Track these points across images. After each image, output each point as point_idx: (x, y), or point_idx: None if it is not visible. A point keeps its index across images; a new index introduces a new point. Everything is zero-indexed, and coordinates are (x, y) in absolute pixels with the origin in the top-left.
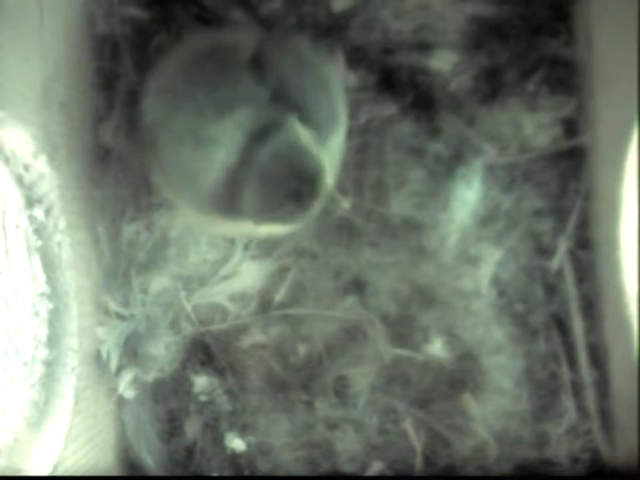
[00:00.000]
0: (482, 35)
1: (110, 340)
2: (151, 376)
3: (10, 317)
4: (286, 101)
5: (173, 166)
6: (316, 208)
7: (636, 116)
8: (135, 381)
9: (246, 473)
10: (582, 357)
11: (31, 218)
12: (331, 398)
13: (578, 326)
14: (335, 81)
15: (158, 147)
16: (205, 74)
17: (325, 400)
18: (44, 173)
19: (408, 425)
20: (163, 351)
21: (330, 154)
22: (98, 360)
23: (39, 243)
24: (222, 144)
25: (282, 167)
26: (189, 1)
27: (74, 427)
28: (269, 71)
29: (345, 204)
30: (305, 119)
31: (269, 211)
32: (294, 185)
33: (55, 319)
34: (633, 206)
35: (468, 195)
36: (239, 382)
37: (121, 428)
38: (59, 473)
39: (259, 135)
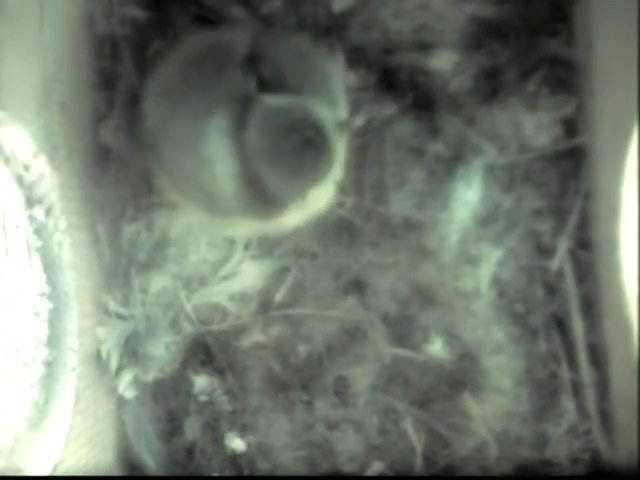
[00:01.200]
0: (482, 35)
1: (110, 340)
2: (151, 376)
3: (10, 317)
4: (285, 92)
5: (176, 169)
6: (337, 148)
7: (636, 116)
8: (135, 381)
9: (246, 473)
10: (582, 357)
11: (31, 218)
12: (331, 398)
13: (578, 326)
14: (335, 73)
15: (160, 150)
16: (201, 75)
17: (325, 400)
18: (44, 173)
19: (408, 425)
20: (163, 351)
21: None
22: (98, 360)
23: (39, 243)
24: (218, 143)
25: (278, 128)
26: (190, 1)
27: (74, 427)
28: (266, 63)
29: (360, 120)
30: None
31: (294, 173)
32: (298, 133)
33: (55, 319)
34: (633, 206)
35: (468, 195)
36: (239, 382)
37: (121, 428)
38: (59, 473)
39: (240, 118)
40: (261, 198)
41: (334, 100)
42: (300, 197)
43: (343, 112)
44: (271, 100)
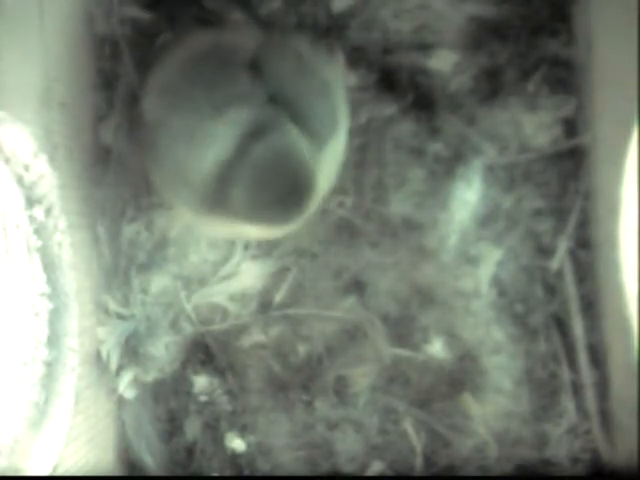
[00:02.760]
0: (482, 35)
1: (110, 340)
2: (151, 376)
3: (10, 317)
4: (284, 105)
5: (168, 163)
6: (305, 214)
7: (636, 116)
8: (135, 381)
9: (246, 473)
10: (582, 357)
11: (31, 218)
12: (331, 398)
13: (578, 326)
14: (336, 85)
15: (156, 145)
16: (205, 73)
17: (325, 400)
18: (44, 173)
19: (408, 425)
20: (163, 351)
21: (328, 160)
22: (98, 360)
23: (39, 243)
24: (216, 140)
25: (273, 166)
26: (190, 2)
27: (74, 427)
28: (268, 75)
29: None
30: (303, 124)
31: (257, 210)
32: (283, 185)
33: (55, 319)
34: (633, 206)
35: (468, 195)
36: (239, 382)
37: (121, 428)
38: (59, 473)
39: (254, 133)
40: (222, 208)
41: (333, 108)
42: (259, 232)
43: (343, 123)
44: (291, 133)
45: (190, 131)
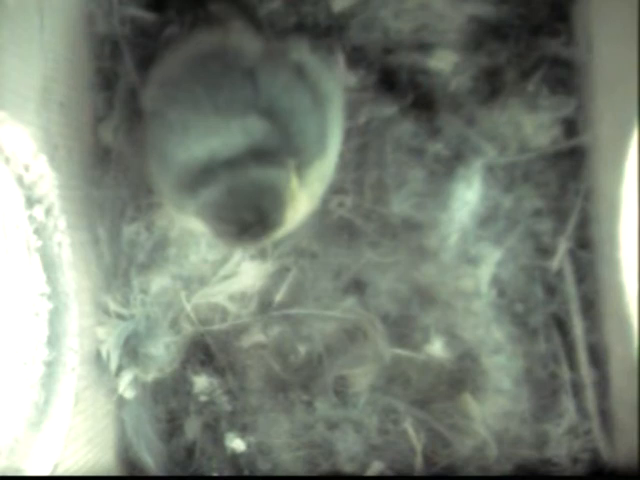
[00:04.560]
0: (482, 35)
1: (110, 340)
2: (151, 376)
3: (10, 317)
4: (274, 119)
5: (160, 150)
6: (258, 246)
7: (636, 116)
8: (135, 381)
9: (246, 473)
10: (582, 357)
11: (31, 218)
12: (331, 398)
13: (578, 326)
14: (332, 102)
15: (152, 135)
16: (207, 72)
17: (325, 400)
18: (44, 173)
19: (408, 425)
20: (163, 351)
21: (312, 179)
22: (98, 360)
23: (39, 243)
24: (213, 135)
25: (251, 197)
26: (193, 4)
27: (74, 427)
28: (262, 87)
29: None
30: (290, 140)
31: (214, 221)
32: (248, 216)
33: (55, 319)
34: (633, 206)
35: (468, 195)
36: (239, 382)
37: (121, 428)
38: (59, 473)
39: (255, 156)
40: (192, 192)
41: (323, 129)
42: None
43: (333, 141)
44: (290, 179)
45: (186, 123)
